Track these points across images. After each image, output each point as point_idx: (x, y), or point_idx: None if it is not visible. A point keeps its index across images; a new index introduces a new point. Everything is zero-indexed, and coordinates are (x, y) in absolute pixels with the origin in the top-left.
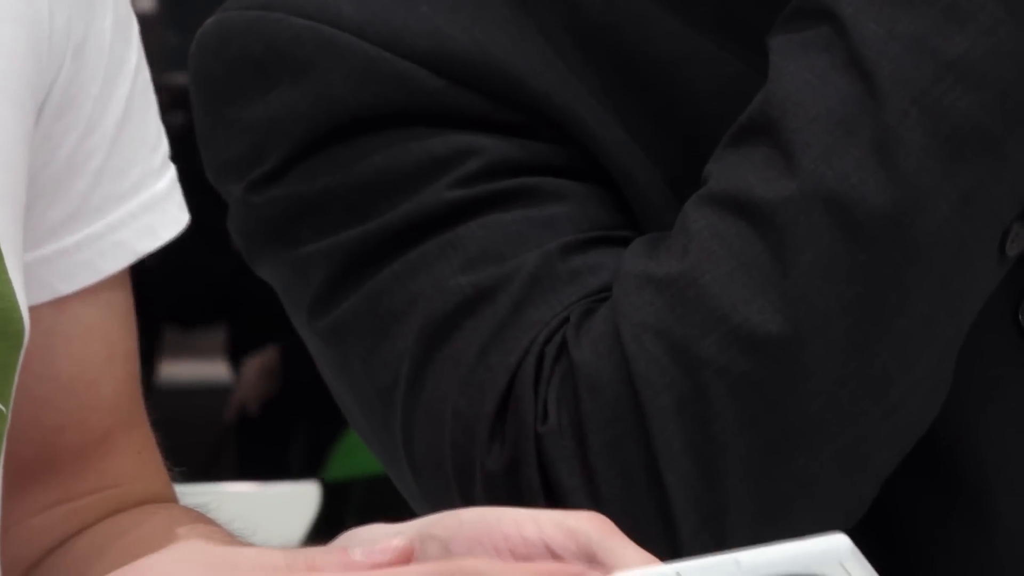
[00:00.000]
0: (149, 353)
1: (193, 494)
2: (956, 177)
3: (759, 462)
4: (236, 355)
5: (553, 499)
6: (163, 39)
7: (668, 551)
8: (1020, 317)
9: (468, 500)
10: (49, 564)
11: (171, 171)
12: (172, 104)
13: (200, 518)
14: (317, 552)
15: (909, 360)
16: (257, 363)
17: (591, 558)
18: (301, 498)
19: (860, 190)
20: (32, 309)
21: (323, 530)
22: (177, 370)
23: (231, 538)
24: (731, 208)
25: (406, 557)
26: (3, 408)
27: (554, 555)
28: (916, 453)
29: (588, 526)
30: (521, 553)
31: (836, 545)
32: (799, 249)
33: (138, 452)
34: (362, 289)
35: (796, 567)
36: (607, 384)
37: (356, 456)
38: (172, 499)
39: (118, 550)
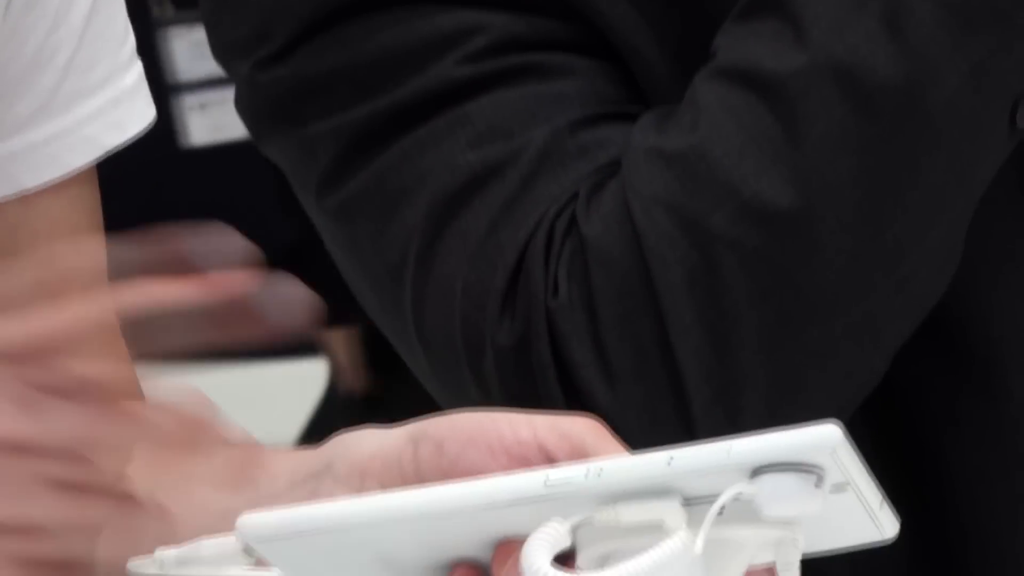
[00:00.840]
0: None
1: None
2: (966, 48)
3: (771, 335)
4: None
5: (564, 374)
6: None
7: (681, 426)
8: None
9: (478, 375)
10: None
11: (138, 66)
12: None
13: None
14: None
15: (920, 232)
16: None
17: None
18: (309, 378)
19: (870, 62)
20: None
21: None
22: None
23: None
24: (741, 81)
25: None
26: None
27: (548, 456)
28: (927, 326)
29: (582, 429)
30: (515, 453)
31: (828, 435)
32: (810, 122)
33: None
34: (370, 167)
35: (787, 456)
36: (618, 259)
37: None
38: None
39: None
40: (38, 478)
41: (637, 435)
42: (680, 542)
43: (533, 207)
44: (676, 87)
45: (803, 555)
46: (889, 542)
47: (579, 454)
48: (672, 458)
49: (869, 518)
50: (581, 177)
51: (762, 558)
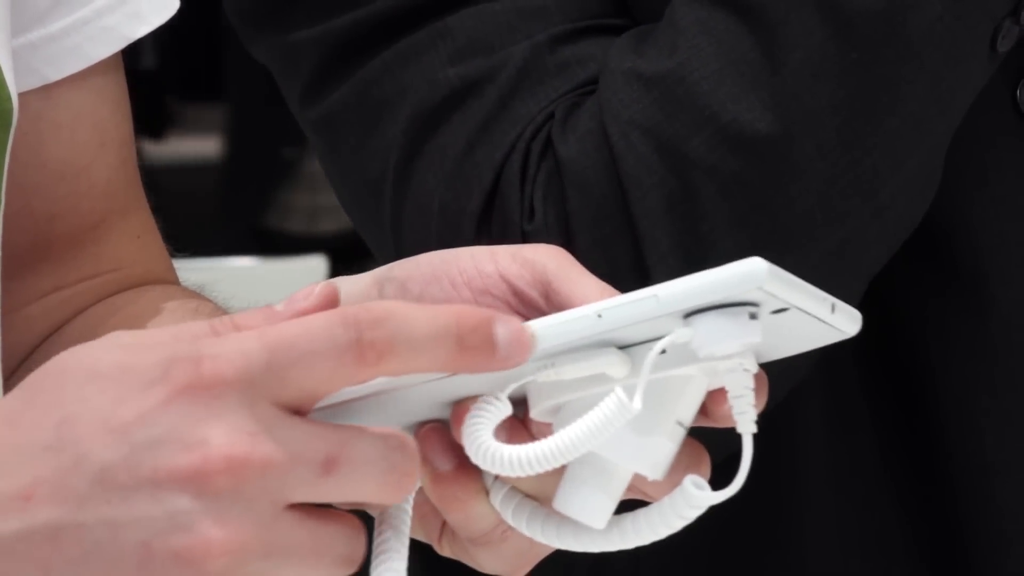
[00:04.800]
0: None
1: (197, 269)
2: None
3: None
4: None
5: None
6: None
7: None
8: (1019, 99)
9: None
10: (45, 348)
11: None
12: None
13: (194, 295)
14: (241, 314)
15: (899, 158)
16: None
17: (546, 287)
18: (308, 272)
19: None
20: (20, 96)
21: None
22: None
23: (223, 315)
24: (721, 4)
25: (329, 301)
26: None
27: (511, 287)
28: (914, 240)
29: (544, 256)
30: (478, 286)
31: (753, 271)
32: (790, 47)
33: (136, 237)
34: (353, 79)
35: (716, 296)
36: (594, 182)
37: None
38: (174, 282)
39: (109, 328)
40: (280, 501)
41: None
42: (615, 403)
43: (510, 126)
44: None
45: (766, 361)
46: (852, 336)
47: (541, 281)
48: (600, 313)
49: (824, 325)
50: (558, 96)
51: (718, 383)
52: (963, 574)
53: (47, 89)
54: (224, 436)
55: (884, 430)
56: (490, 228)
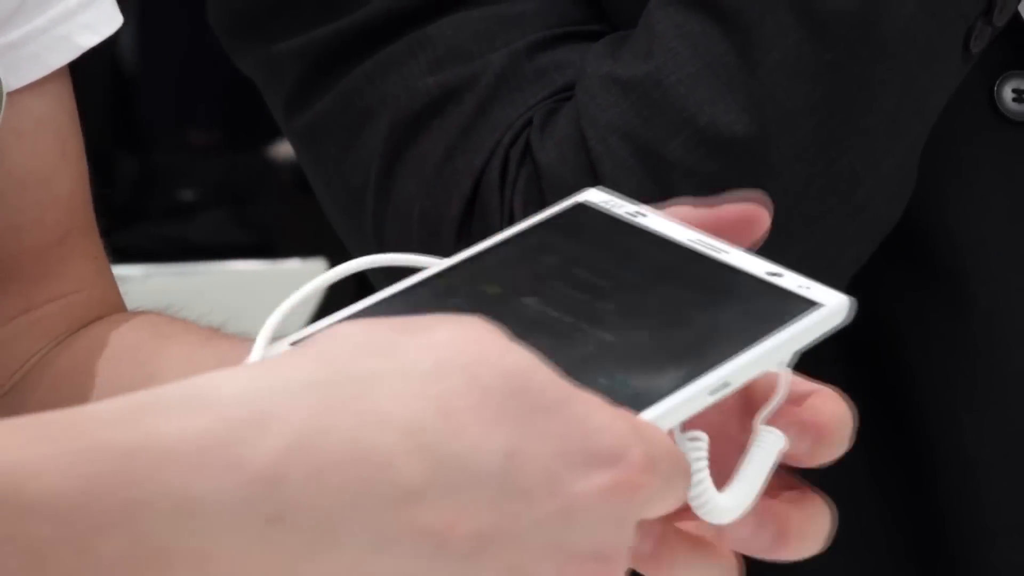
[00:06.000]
0: None
1: (195, 273)
2: None
3: None
4: None
5: None
6: None
7: None
8: (995, 97)
9: None
10: (28, 384)
11: None
12: None
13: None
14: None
15: (876, 158)
16: None
17: None
18: (308, 275)
19: None
20: None
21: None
22: None
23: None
24: (696, 7)
25: None
26: None
27: None
28: (891, 237)
29: None
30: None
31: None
32: (765, 48)
33: (93, 257)
34: (334, 89)
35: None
36: (573, 186)
37: None
38: (123, 307)
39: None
40: None
41: None
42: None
43: (488, 133)
44: (638, 5)
45: None
46: None
47: None
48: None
49: None
50: (537, 102)
51: None
52: (947, 568)
53: (8, 97)
54: (623, 547)
55: (866, 427)
56: (470, 234)
